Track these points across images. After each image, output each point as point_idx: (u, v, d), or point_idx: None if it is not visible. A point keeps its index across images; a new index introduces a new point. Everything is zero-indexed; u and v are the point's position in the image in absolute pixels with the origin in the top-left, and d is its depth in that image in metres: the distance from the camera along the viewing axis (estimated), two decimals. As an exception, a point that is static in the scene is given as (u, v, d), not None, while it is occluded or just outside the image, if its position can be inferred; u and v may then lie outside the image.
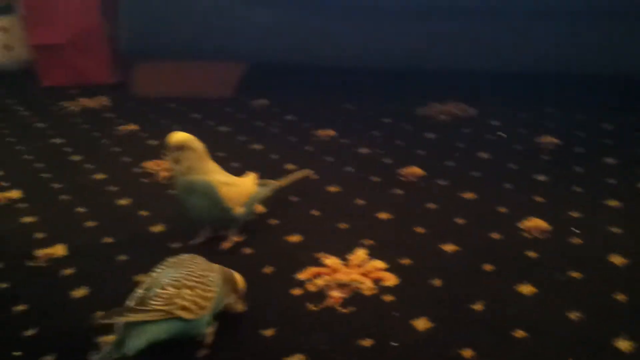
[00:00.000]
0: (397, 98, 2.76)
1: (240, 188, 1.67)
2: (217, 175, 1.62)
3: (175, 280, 1.21)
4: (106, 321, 1.14)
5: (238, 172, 1.90)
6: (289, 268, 1.54)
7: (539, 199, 1.82)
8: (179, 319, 1.17)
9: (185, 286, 1.21)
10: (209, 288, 1.25)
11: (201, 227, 1.68)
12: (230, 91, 2.95)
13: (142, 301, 1.16)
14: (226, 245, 1.64)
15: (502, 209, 1.76)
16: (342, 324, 1.33)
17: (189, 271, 1.25)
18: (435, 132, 2.36)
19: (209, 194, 1.59)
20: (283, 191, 1.85)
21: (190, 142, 1.56)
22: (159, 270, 1.26)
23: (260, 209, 1.82)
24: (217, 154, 2.23)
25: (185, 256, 1.33)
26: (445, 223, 1.71)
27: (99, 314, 1.13)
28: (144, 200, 1.93)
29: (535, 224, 1.68)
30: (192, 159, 1.57)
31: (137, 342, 1.14)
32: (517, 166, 2.04)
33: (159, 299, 1.17)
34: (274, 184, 1.82)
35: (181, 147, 1.56)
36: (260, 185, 1.76)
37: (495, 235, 1.63)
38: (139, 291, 1.21)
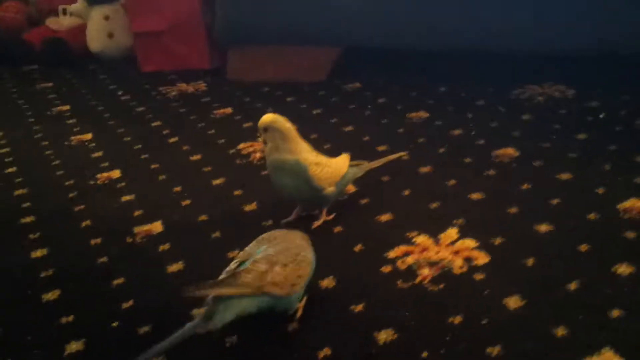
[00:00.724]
0: (492, 80, 2.71)
1: (332, 168, 1.65)
2: (307, 155, 1.61)
3: (270, 256, 1.23)
4: (196, 294, 1.17)
5: (330, 154, 1.91)
6: (379, 246, 1.54)
7: (638, 180, 1.75)
8: (269, 294, 1.19)
9: (279, 263, 1.23)
10: (302, 265, 1.27)
11: (293, 206, 1.70)
12: (324, 75, 2.97)
13: (233, 275, 1.19)
14: (317, 224, 1.65)
15: (600, 190, 1.71)
16: (432, 301, 1.33)
17: (284, 247, 1.27)
18: (531, 114, 2.31)
19: (299, 173, 1.59)
20: (375, 171, 1.84)
21: (277, 122, 1.57)
22: (253, 245, 1.29)
23: (351, 188, 1.82)
24: (310, 136, 2.26)
25: (281, 232, 1.36)
26: (540, 204, 1.67)
27: (190, 287, 1.16)
28: (238, 180, 1.97)
29: (634, 204, 1.62)
30: (280, 139, 1.57)
31: (225, 315, 1.16)
32: (616, 147, 1.97)
33: (249, 274, 1.19)
34: (367, 164, 1.81)
35: (269, 128, 1.57)
36: (352, 166, 1.75)
37: (592, 216, 1.59)
38: (232, 266, 1.23)
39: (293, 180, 1.60)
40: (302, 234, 1.37)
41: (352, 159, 1.75)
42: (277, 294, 1.20)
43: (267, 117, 1.58)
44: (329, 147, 2.15)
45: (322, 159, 1.65)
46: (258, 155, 2.14)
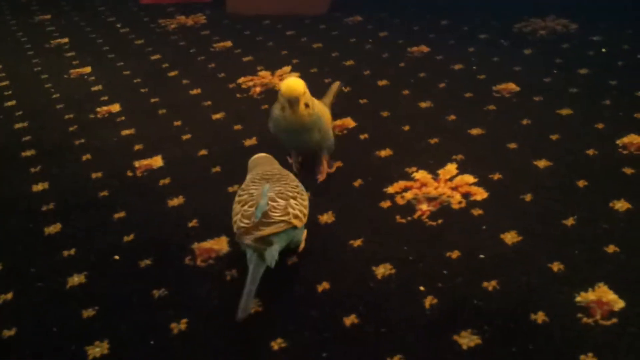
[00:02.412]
0: (495, 13, 2.67)
1: (328, 114, 1.59)
2: (319, 107, 1.53)
3: (280, 193, 1.24)
4: (247, 239, 1.16)
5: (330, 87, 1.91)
6: (378, 181, 1.55)
7: (638, 115, 1.75)
8: (293, 227, 1.21)
9: (290, 197, 1.24)
10: (304, 196, 1.28)
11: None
12: (325, 8, 2.93)
13: (266, 215, 1.19)
14: (321, 178, 1.58)
15: (600, 125, 1.71)
16: (430, 236, 1.34)
17: (286, 182, 1.28)
18: (533, 48, 2.29)
19: (321, 128, 1.52)
20: (374, 106, 1.84)
21: (304, 88, 1.44)
22: (252, 184, 1.28)
23: (351, 123, 1.82)
24: (310, 70, 2.25)
25: (267, 162, 1.38)
26: (539, 139, 1.67)
27: (241, 233, 1.17)
28: (238, 115, 1.96)
29: (633, 140, 1.62)
30: (309, 99, 1.47)
31: (274, 253, 1.18)
32: (618, 82, 1.96)
33: (277, 211, 1.20)
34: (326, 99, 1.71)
35: (306, 92, 1.45)
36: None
37: (590, 152, 1.59)
38: (248, 208, 1.22)
39: (316, 135, 1.51)
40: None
41: (352, 94, 1.72)
42: (299, 225, 1.23)
43: (298, 85, 1.43)
44: (329, 81, 2.14)
45: (321, 105, 1.56)
46: (258, 89, 2.13)
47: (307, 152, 1.62)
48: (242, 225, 1.19)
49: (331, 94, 1.74)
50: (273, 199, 1.22)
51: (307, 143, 1.53)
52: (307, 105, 1.44)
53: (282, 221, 1.19)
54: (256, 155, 1.42)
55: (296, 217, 1.22)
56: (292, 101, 1.42)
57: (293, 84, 1.43)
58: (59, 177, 1.70)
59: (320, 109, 1.52)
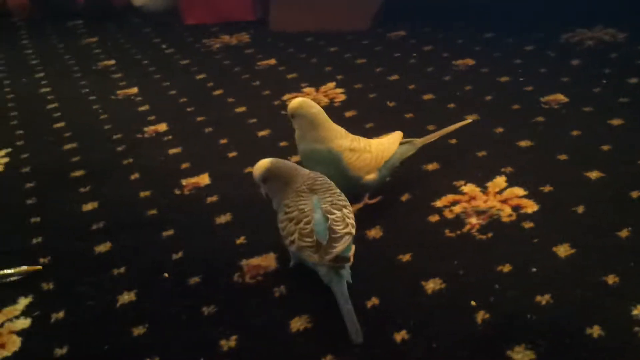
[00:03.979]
0: (541, 25, 2.64)
1: (372, 154, 1.46)
2: (341, 141, 1.44)
3: (333, 204, 1.24)
4: (327, 259, 1.16)
5: (376, 104, 1.91)
6: (426, 195, 1.54)
7: (693, 124, 1.71)
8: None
9: (342, 206, 1.24)
10: (349, 205, 1.28)
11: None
12: (367, 24, 2.93)
13: (333, 230, 1.19)
14: (356, 207, 1.50)
15: (652, 135, 1.68)
16: (480, 250, 1.32)
17: (333, 191, 1.27)
18: (581, 59, 2.26)
19: (332, 162, 1.43)
20: (420, 121, 1.83)
21: (303, 108, 1.42)
22: (302, 200, 1.25)
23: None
24: (354, 86, 2.24)
25: (310, 176, 1.30)
26: (590, 150, 1.64)
27: (307, 253, 1.18)
28: (283, 132, 1.96)
29: (688, 150, 1.59)
30: (308, 126, 1.43)
31: (348, 267, 1.20)
32: (670, 91, 1.92)
33: (339, 224, 1.20)
34: (420, 140, 1.61)
35: (295, 114, 1.43)
36: (403, 143, 1.56)
37: (644, 162, 1.56)
38: (302, 226, 1.21)
39: (326, 169, 1.39)
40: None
41: (397, 109, 1.70)
42: (354, 234, 1.23)
43: (294, 103, 1.43)
44: (374, 96, 2.14)
45: (360, 143, 1.46)
46: (303, 106, 2.13)
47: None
48: (306, 244, 1.19)
49: (439, 133, 1.65)
50: (329, 211, 1.21)
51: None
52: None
53: (347, 233, 1.20)
54: (269, 164, 1.28)
55: (353, 226, 1.23)
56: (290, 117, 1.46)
57: (293, 101, 1.44)
58: (108, 196, 1.72)
59: (347, 145, 1.43)
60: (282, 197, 1.28)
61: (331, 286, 1.18)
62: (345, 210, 1.24)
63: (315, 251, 1.17)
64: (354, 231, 1.22)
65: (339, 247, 1.17)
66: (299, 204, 1.24)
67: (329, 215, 1.20)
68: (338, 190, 1.29)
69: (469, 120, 1.71)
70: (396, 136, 1.56)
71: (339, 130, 1.47)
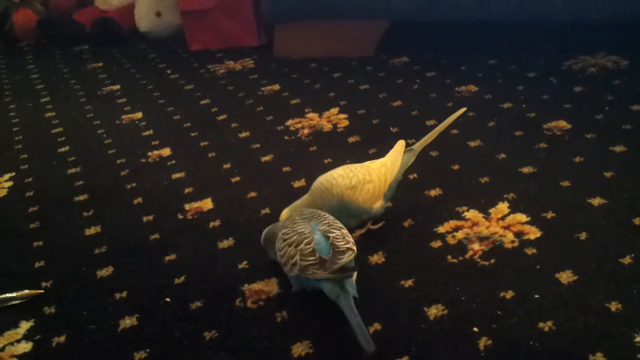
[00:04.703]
0: (544, 52, 2.65)
1: (374, 182, 1.46)
2: (342, 182, 1.44)
3: (329, 225, 1.26)
4: (334, 268, 1.18)
5: (379, 129, 1.91)
6: (428, 221, 1.54)
7: (696, 151, 1.71)
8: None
9: (340, 227, 1.27)
10: (345, 229, 1.29)
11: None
12: (371, 50, 2.95)
13: (335, 245, 1.21)
14: (358, 233, 1.51)
15: (655, 162, 1.68)
16: (483, 276, 1.32)
17: (327, 219, 1.29)
18: (583, 85, 2.26)
19: (340, 206, 1.44)
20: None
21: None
22: (298, 226, 1.27)
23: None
24: (358, 112, 2.25)
25: (303, 205, 1.44)
26: (593, 176, 1.64)
27: (312, 271, 1.19)
28: (287, 157, 1.97)
29: (691, 176, 1.58)
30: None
31: (353, 282, 1.22)
32: (673, 118, 1.92)
33: (340, 240, 1.23)
34: (420, 142, 1.60)
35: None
36: (405, 153, 1.56)
37: (646, 189, 1.56)
38: (303, 247, 1.22)
39: (337, 213, 1.39)
40: None
41: (401, 135, 1.68)
42: (355, 253, 1.25)
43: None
44: (377, 122, 2.15)
45: (359, 174, 1.46)
46: (306, 131, 2.14)
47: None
48: (309, 262, 1.20)
49: (440, 127, 1.63)
50: (329, 231, 1.24)
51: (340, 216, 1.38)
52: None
53: (349, 249, 1.22)
54: (265, 231, 1.42)
55: (354, 244, 1.24)
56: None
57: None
58: (111, 220, 1.72)
59: (345, 184, 1.44)
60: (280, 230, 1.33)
61: (338, 302, 1.18)
62: (344, 231, 1.26)
63: (319, 267, 1.18)
64: (355, 249, 1.23)
65: (344, 259, 1.18)
66: (296, 229, 1.26)
67: (329, 235, 1.23)
68: (332, 217, 1.31)
69: (464, 109, 1.67)
70: (399, 148, 1.55)
71: (339, 171, 1.48)
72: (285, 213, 1.45)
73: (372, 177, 1.46)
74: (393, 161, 1.52)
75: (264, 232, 1.41)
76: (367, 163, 1.51)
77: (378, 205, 1.48)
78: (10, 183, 2.01)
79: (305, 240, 1.22)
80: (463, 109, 1.66)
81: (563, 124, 1.96)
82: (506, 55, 2.68)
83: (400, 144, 1.56)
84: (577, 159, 1.74)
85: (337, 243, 1.21)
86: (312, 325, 1.23)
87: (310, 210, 1.35)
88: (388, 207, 1.56)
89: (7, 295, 1.41)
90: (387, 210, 1.56)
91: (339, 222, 1.30)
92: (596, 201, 1.53)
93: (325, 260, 1.19)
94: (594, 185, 1.60)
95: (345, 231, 1.27)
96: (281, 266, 1.30)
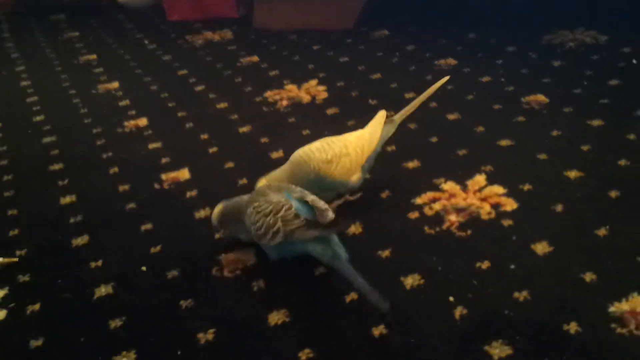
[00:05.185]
0: (523, 26, 2.65)
1: (351, 156, 1.43)
2: (319, 155, 1.42)
3: (302, 192, 1.27)
4: (327, 220, 1.20)
5: (358, 101, 1.90)
6: (406, 193, 1.54)
7: (672, 126, 1.72)
8: None
9: (311, 194, 1.27)
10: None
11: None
12: (351, 23, 2.93)
13: (316, 204, 1.23)
14: (336, 203, 1.51)
15: (631, 136, 1.68)
16: (459, 247, 1.32)
17: (296, 187, 1.30)
18: (562, 60, 2.27)
19: (317, 180, 1.41)
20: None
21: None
22: (267, 198, 1.26)
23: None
24: (337, 84, 2.24)
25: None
26: (570, 150, 1.65)
27: (299, 233, 1.19)
28: (265, 128, 1.96)
29: (667, 151, 1.60)
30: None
31: (340, 244, 1.23)
32: (650, 93, 1.93)
33: (319, 202, 1.24)
34: (400, 113, 1.56)
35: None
36: (385, 125, 1.52)
37: (622, 162, 1.56)
38: (286, 213, 1.22)
39: (313, 186, 1.38)
40: None
41: (379, 107, 1.64)
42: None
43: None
44: (356, 94, 2.14)
45: (335, 148, 1.43)
46: (284, 102, 2.13)
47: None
48: (295, 226, 1.19)
49: (420, 99, 1.58)
50: (304, 196, 1.25)
51: (317, 190, 1.37)
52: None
53: (328, 209, 1.22)
54: (219, 208, 1.37)
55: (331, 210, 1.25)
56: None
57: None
58: (86, 190, 1.71)
59: (321, 158, 1.41)
60: (243, 226, 1.30)
61: (334, 264, 1.19)
62: (316, 197, 1.26)
63: (307, 228, 1.18)
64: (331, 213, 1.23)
65: (330, 214, 1.19)
66: (269, 199, 1.25)
67: (305, 199, 1.23)
68: (302, 189, 1.30)
69: (447, 78, 1.64)
70: (379, 120, 1.52)
71: (314, 147, 1.45)
72: (261, 182, 1.43)
73: (349, 150, 1.44)
74: (372, 133, 1.49)
75: (218, 211, 1.36)
76: (345, 135, 1.49)
77: (355, 178, 1.46)
78: (-16, 152, 1.98)
79: (285, 207, 1.22)
80: (446, 78, 1.64)
81: (541, 98, 1.96)
82: (486, 29, 2.67)
83: (381, 115, 1.53)
84: (555, 133, 1.74)
85: (317, 204, 1.21)
86: (288, 294, 1.23)
87: (277, 184, 1.33)
88: (366, 178, 1.54)
89: (-19, 263, 1.39)
90: (365, 182, 1.54)
91: (310, 193, 1.29)
92: (572, 174, 1.53)
93: (312, 221, 1.19)
94: (570, 158, 1.61)
95: (316, 197, 1.26)
96: (255, 239, 1.28)
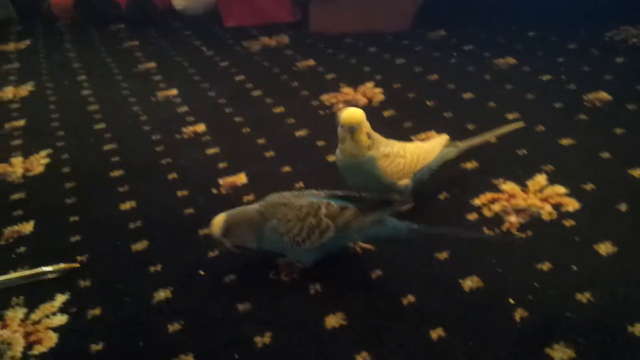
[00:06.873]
0: (585, 23, 2.60)
1: (406, 159, 1.41)
2: (379, 148, 1.39)
3: (324, 192, 1.30)
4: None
5: (415, 104, 1.88)
6: (464, 194, 1.51)
7: None
8: None
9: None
10: None
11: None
12: (407, 24, 2.91)
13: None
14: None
15: (699, 133, 1.63)
16: (519, 248, 1.29)
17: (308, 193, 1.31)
18: (625, 56, 2.21)
19: (370, 169, 1.38)
20: (459, 120, 1.80)
21: (364, 117, 1.33)
22: (296, 202, 1.26)
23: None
24: (393, 86, 2.23)
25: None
26: (634, 148, 1.61)
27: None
28: (321, 132, 1.96)
29: None
30: (364, 134, 1.34)
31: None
32: None
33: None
34: (464, 143, 1.54)
35: (361, 124, 1.33)
36: (447, 147, 1.51)
37: (689, 160, 1.52)
38: (324, 210, 1.23)
39: (362, 177, 1.39)
40: None
41: (437, 109, 1.63)
42: None
43: (356, 114, 1.32)
44: (413, 96, 2.12)
45: (394, 148, 1.41)
46: (341, 106, 2.12)
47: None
48: (348, 215, 1.22)
49: (487, 135, 1.59)
50: (333, 194, 1.28)
51: (357, 185, 1.41)
52: (368, 136, 1.34)
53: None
54: (225, 217, 1.31)
55: None
56: (353, 128, 1.32)
57: (353, 111, 1.32)
58: (146, 195, 1.72)
59: (381, 151, 1.38)
60: (253, 235, 1.28)
61: (413, 234, 1.24)
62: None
63: (363, 215, 1.22)
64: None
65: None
66: (298, 204, 1.25)
67: (336, 194, 1.27)
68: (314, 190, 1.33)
69: (520, 125, 1.63)
70: (440, 140, 1.51)
71: (376, 136, 1.40)
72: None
73: (405, 152, 1.41)
74: (431, 147, 1.48)
75: (222, 222, 1.29)
76: (406, 142, 1.46)
77: (403, 182, 1.42)
78: (47, 160, 2.02)
79: (322, 206, 1.22)
80: (520, 124, 1.64)
81: (604, 95, 1.92)
82: (546, 27, 2.62)
83: (444, 137, 1.52)
84: (618, 131, 1.70)
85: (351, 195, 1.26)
86: (345, 297, 1.22)
87: (288, 192, 1.30)
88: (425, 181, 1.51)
89: (44, 269, 1.42)
90: (424, 184, 1.52)
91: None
92: (637, 172, 1.49)
93: (364, 208, 1.22)
94: (635, 156, 1.56)
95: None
96: (290, 246, 1.25)
